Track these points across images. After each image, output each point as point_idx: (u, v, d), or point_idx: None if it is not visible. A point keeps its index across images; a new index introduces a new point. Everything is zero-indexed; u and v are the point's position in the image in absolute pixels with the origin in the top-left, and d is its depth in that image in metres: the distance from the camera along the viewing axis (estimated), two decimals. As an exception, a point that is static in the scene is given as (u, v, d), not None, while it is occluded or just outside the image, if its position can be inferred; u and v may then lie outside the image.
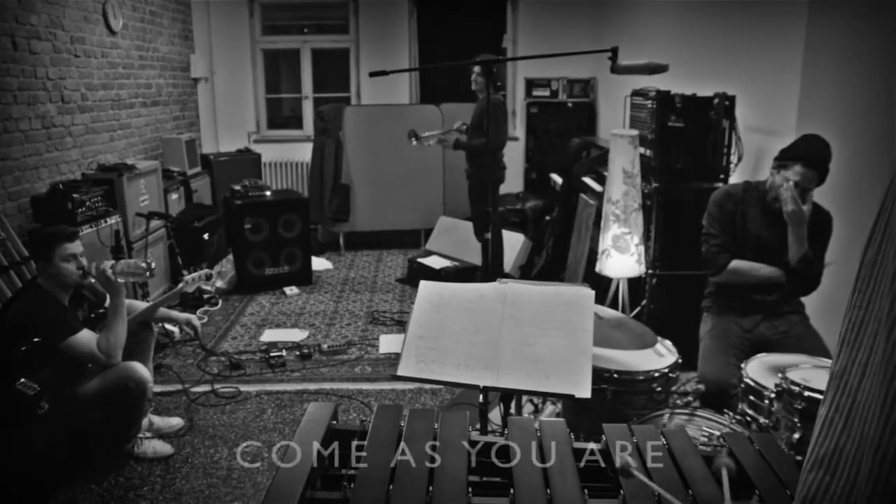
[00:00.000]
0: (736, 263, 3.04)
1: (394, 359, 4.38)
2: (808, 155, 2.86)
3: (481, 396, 2.08)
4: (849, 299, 0.70)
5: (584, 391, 1.93)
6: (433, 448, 1.49)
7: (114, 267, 3.03)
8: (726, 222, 3.08)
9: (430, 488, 1.35)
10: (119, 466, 3.16)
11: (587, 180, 5.18)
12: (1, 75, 4.16)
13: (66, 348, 2.88)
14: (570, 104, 7.66)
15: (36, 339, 2.84)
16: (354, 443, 1.57)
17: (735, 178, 3.88)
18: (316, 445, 1.48)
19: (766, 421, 2.35)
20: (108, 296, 3.09)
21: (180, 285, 3.47)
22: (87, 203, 4.46)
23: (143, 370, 3.03)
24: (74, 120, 5.04)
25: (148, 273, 3.15)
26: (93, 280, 3.03)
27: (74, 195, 4.35)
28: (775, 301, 3.03)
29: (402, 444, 1.49)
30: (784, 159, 2.92)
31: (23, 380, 2.83)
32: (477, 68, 5.24)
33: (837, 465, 0.66)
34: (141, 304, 3.42)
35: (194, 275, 3.51)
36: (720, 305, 3.15)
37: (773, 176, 2.96)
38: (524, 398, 3.20)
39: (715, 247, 3.08)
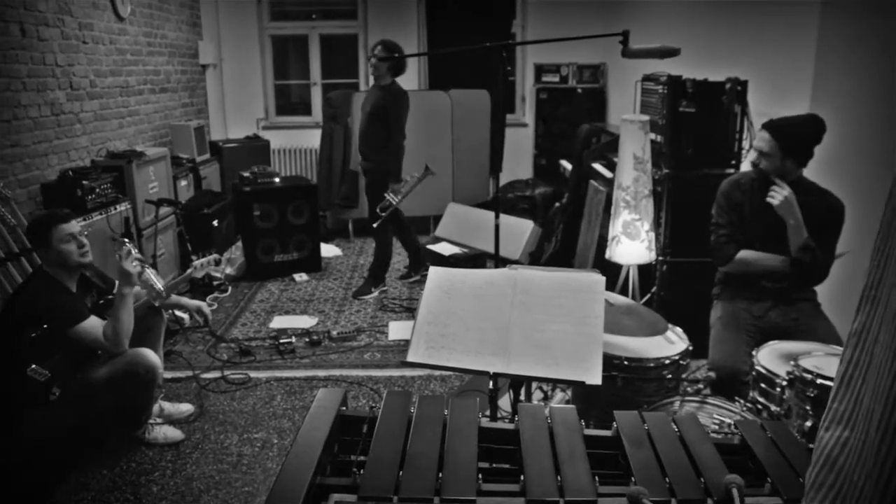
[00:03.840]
0: (743, 254, 3.02)
1: (403, 345, 4.39)
2: (773, 123, 2.89)
3: (491, 383, 2.08)
4: (870, 260, 0.71)
5: (594, 378, 1.92)
6: (443, 435, 1.48)
7: (143, 264, 3.05)
8: (734, 212, 3.06)
9: (440, 475, 1.34)
10: (130, 452, 3.18)
11: (597, 166, 5.15)
12: (10, 62, 4.16)
13: (74, 335, 2.89)
14: (579, 90, 7.61)
15: (45, 326, 2.85)
16: (364, 429, 1.56)
17: (746, 165, 3.85)
18: (325, 432, 1.47)
19: (778, 409, 2.33)
20: (116, 282, 3.10)
21: (189, 271, 3.48)
22: (97, 190, 4.46)
23: (153, 357, 3.04)
24: (83, 107, 5.04)
25: (157, 301, 3.21)
26: (119, 255, 3.03)
27: (84, 182, 4.36)
28: (785, 288, 3.00)
29: (412, 431, 1.49)
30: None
31: (34, 366, 2.85)
32: (378, 51, 4.92)
33: (856, 420, 0.67)
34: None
35: (203, 260, 3.52)
36: (730, 292, 3.13)
37: None
38: (534, 385, 3.20)
39: (723, 237, 3.06)
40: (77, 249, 2.98)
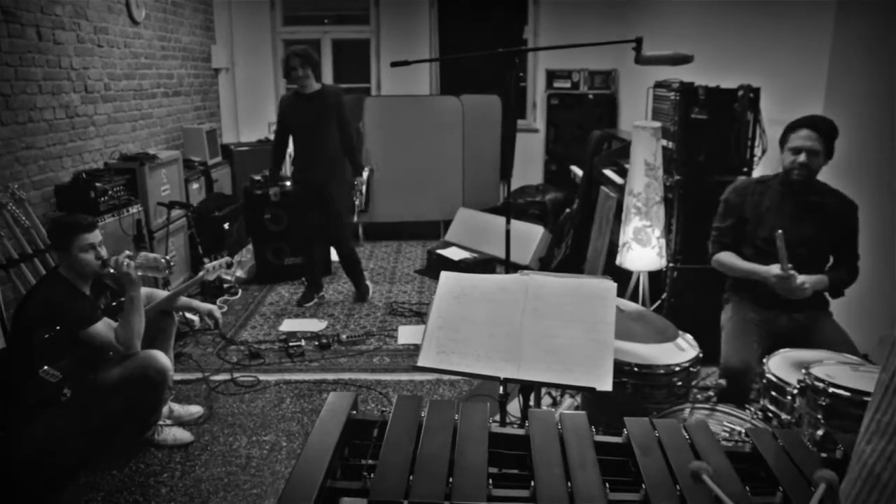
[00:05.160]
0: (719, 255, 3.13)
1: (412, 350, 4.39)
2: (810, 120, 2.90)
3: (501, 388, 2.07)
4: None
5: (605, 384, 1.91)
6: (453, 439, 1.48)
7: (133, 258, 3.05)
8: (729, 215, 3.12)
9: (451, 479, 1.34)
10: (139, 453, 3.20)
11: (608, 172, 5.14)
12: (26, 65, 4.20)
13: (86, 337, 2.91)
14: (591, 96, 7.61)
15: (57, 328, 2.87)
16: (375, 433, 1.57)
17: (758, 172, 3.84)
18: (336, 435, 1.48)
19: (789, 417, 2.32)
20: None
21: (201, 273, 3.49)
22: (110, 192, 4.50)
23: (163, 358, 3.06)
24: (97, 109, 5.08)
25: (167, 270, 3.19)
26: (111, 270, 3.05)
27: (97, 184, 4.39)
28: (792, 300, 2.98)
29: (423, 435, 1.49)
30: (787, 132, 2.96)
31: (45, 367, 2.86)
32: (295, 63, 4.74)
33: None
34: (161, 293, 3.44)
35: (214, 263, 3.53)
36: (740, 296, 3.13)
37: (784, 156, 2.97)
38: (542, 390, 3.19)
39: (712, 238, 3.19)
40: (94, 260, 2.99)
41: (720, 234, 3.15)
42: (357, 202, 5.12)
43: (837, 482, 1.23)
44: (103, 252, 3.04)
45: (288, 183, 5.89)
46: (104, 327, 2.96)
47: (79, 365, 2.97)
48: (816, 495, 1.24)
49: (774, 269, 2.83)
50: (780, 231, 2.73)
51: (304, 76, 4.78)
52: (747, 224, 3.06)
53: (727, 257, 3.09)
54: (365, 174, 5.18)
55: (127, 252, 3.09)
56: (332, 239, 5.34)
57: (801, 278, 2.79)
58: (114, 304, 3.21)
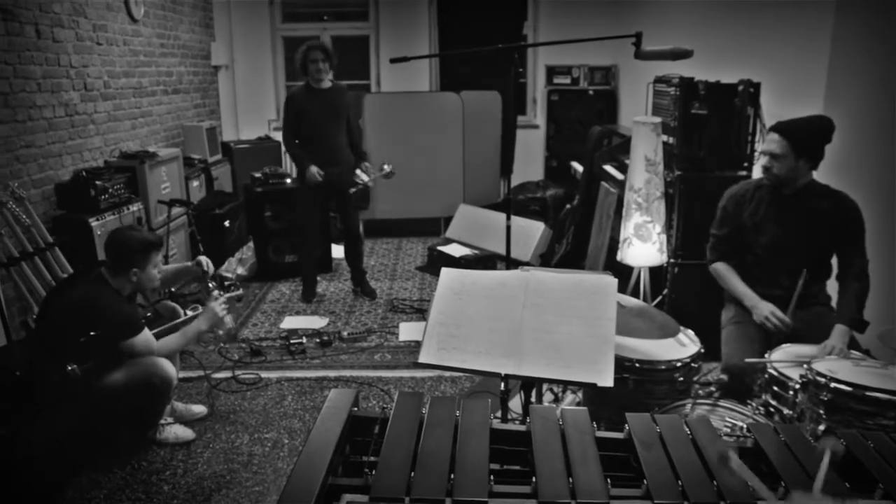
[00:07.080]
0: (716, 265, 3.14)
1: (413, 347, 4.39)
2: (779, 124, 2.90)
3: (502, 384, 2.07)
4: None
5: (606, 380, 1.91)
6: (454, 436, 1.48)
7: (227, 308, 3.26)
8: (726, 224, 3.11)
9: (452, 476, 1.34)
10: (142, 451, 3.20)
11: (608, 168, 5.14)
12: (25, 63, 4.20)
13: (127, 347, 2.96)
14: (591, 92, 7.60)
15: (93, 333, 2.86)
16: (376, 430, 1.57)
17: (759, 167, 3.82)
18: (337, 432, 1.48)
19: (791, 412, 2.32)
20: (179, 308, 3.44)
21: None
22: (110, 190, 4.50)
23: (169, 367, 3.04)
24: (97, 107, 5.08)
25: (226, 341, 3.31)
26: (212, 290, 3.28)
27: (97, 182, 4.39)
28: (798, 293, 2.98)
29: (424, 432, 1.49)
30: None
31: (73, 366, 2.86)
32: (319, 56, 4.78)
33: None
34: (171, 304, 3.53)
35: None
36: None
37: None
38: (544, 386, 3.19)
39: (710, 246, 3.18)
40: (158, 275, 3.12)
41: (717, 241, 3.14)
42: (367, 178, 5.08)
43: (843, 450, 1.32)
44: (163, 267, 3.18)
45: (289, 180, 5.88)
46: (146, 338, 3.02)
47: (101, 367, 2.97)
48: (823, 464, 1.27)
49: (770, 307, 2.83)
50: (805, 270, 2.77)
51: (324, 70, 4.83)
52: (745, 231, 3.04)
53: (724, 271, 3.09)
54: (383, 168, 5.16)
55: (218, 291, 3.27)
56: (350, 233, 5.31)
57: (828, 347, 2.62)
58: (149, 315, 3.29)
